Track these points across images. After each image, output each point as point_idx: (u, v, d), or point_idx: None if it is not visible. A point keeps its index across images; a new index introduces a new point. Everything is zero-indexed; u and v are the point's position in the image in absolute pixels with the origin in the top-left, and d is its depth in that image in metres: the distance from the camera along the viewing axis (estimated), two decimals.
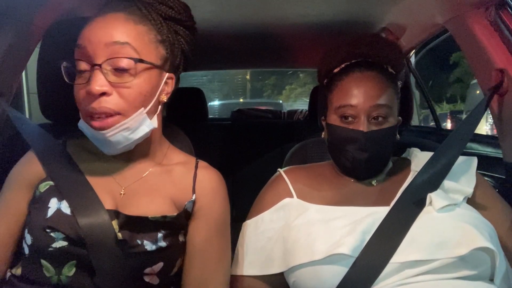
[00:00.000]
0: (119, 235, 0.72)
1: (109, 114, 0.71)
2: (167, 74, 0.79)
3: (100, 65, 0.70)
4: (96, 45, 0.71)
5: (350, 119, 0.86)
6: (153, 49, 0.76)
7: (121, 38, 0.71)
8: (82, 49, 0.72)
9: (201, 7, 0.80)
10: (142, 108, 0.74)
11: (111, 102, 0.71)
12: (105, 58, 0.71)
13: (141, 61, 0.73)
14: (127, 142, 0.75)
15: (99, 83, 0.70)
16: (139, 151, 0.81)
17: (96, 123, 0.71)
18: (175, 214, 0.78)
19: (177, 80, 0.84)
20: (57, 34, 0.94)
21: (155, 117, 0.79)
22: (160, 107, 0.80)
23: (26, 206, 0.78)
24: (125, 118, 0.72)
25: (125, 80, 0.72)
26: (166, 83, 0.79)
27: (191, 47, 0.84)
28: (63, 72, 0.74)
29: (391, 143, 0.89)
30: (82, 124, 0.76)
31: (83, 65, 0.72)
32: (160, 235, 0.75)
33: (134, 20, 0.74)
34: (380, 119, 0.85)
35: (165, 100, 0.80)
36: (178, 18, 0.80)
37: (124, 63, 0.71)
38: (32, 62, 1.02)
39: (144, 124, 0.75)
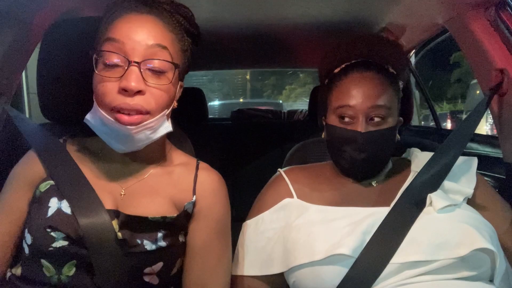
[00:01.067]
0: (119, 234, 0.72)
1: (139, 112, 0.72)
2: (180, 82, 0.83)
3: (139, 63, 0.71)
4: (137, 43, 0.72)
5: (348, 119, 0.86)
6: (180, 57, 0.79)
7: (162, 41, 0.74)
8: (119, 43, 0.72)
9: (201, 7, 0.80)
10: (166, 110, 0.77)
11: (144, 100, 0.72)
12: (144, 58, 0.72)
13: (177, 66, 0.76)
14: (147, 141, 0.76)
15: (137, 81, 0.70)
16: (141, 152, 0.81)
17: (125, 118, 0.71)
18: (175, 215, 0.78)
19: None
20: (57, 34, 0.94)
21: (169, 121, 0.81)
22: (169, 110, 0.81)
23: (27, 205, 0.78)
24: (152, 117, 0.74)
25: (162, 83, 0.74)
26: (178, 90, 0.82)
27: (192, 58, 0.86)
28: (93, 62, 0.74)
29: (390, 144, 0.89)
30: (95, 119, 0.75)
31: (117, 59, 0.72)
32: (160, 235, 0.75)
33: (167, 27, 0.76)
34: (378, 120, 0.85)
35: (176, 107, 0.82)
36: (191, 31, 0.82)
37: (164, 66, 0.74)
38: (32, 62, 1.02)
39: (164, 125, 0.78)
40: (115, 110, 0.71)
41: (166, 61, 0.74)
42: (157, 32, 0.74)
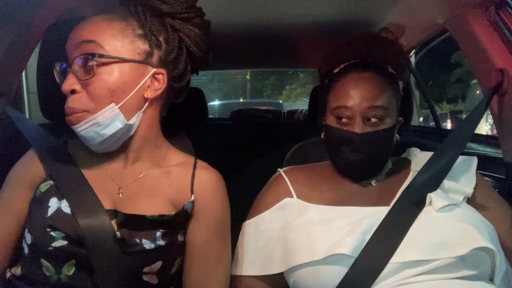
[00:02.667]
0: (118, 234, 0.72)
1: (75, 110, 0.73)
2: (154, 70, 0.77)
3: (70, 65, 0.74)
4: (69, 46, 0.75)
5: (345, 120, 0.86)
6: (127, 44, 0.75)
7: (88, 36, 0.73)
8: (65, 51, 0.75)
9: (202, 7, 0.80)
10: (113, 104, 0.73)
11: (79, 101, 0.73)
12: (73, 56, 0.73)
13: (101, 56, 0.72)
14: (100, 138, 0.74)
15: (69, 82, 0.73)
16: (135, 151, 0.81)
17: (67, 118, 0.74)
18: (173, 213, 0.78)
19: (179, 77, 0.82)
20: (57, 34, 0.94)
21: (138, 114, 0.77)
22: (146, 103, 0.78)
23: (26, 205, 0.78)
24: (92, 114, 0.73)
25: (89, 76, 0.72)
26: (155, 78, 0.78)
27: (200, 42, 0.82)
28: (55, 74, 0.77)
29: (388, 145, 0.89)
30: None
31: (64, 67, 0.76)
32: (158, 233, 0.75)
33: (110, 18, 0.75)
34: (376, 120, 0.85)
35: (151, 97, 0.77)
36: (172, 12, 0.77)
37: (85, 58, 0.73)
38: (32, 62, 1.02)
39: (117, 120, 0.74)
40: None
41: (84, 53, 0.72)
42: (86, 28, 0.74)
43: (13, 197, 0.79)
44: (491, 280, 0.76)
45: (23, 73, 1.11)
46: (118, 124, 0.74)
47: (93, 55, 0.72)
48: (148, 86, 0.77)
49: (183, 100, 0.86)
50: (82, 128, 0.73)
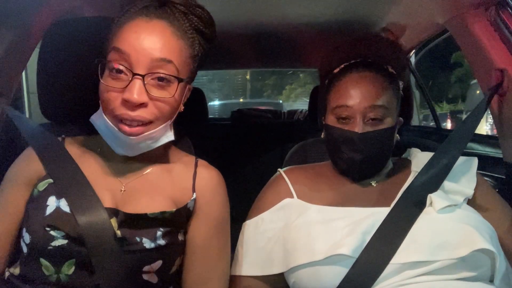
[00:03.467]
0: (118, 232, 0.72)
1: (141, 123, 0.73)
2: (188, 86, 0.81)
3: (143, 76, 0.71)
4: (142, 56, 0.71)
5: (346, 119, 0.86)
6: (187, 65, 0.78)
7: (168, 55, 0.73)
8: (124, 54, 0.71)
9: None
10: (169, 121, 0.78)
11: (147, 112, 0.73)
12: (148, 71, 0.72)
13: (181, 80, 0.76)
14: (147, 149, 0.78)
15: (140, 93, 0.71)
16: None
17: (126, 128, 0.72)
18: (174, 209, 0.78)
19: None
20: (57, 34, 0.94)
21: (172, 129, 0.81)
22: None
23: (24, 204, 0.78)
24: (154, 127, 0.75)
25: (165, 95, 0.74)
26: (186, 94, 0.82)
27: (206, 58, 0.85)
28: (99, 69, 0.74)
29: (389, 145, 0.88)
30: (100, 121, 0.76)
31: (122, 70, 0.72)
32: (159, 233, 0.75)
33: (176, 34, 0.75)
34: (376, 120, 0.85)
35: (182, 110, 0.81)
36: (206, 32, 0.81)
37: (167, 80, 0.74)
38: (32, 62, 1.01)
39: (166, 135, 0.79)
40: (117, 119, 0.73)
41: (170, 75, 0.74)
42: (164, 43, 0.73)
43: (11, 195, 0.78)
44: (491, 281, 0.75)
45: (23, 73, 1.11)
46: (165, 139, 0.79)
47: (178, 79, 0.75)
48: (183, 101, 0.81)
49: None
50: (139, 140, 0.74)
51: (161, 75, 0.73)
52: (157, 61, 0.72)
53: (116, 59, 0.72)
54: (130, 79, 0.71)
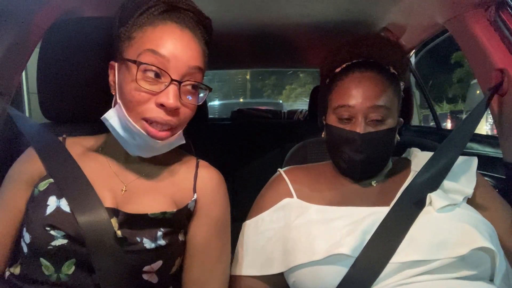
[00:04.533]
0: (119, 232, 0.72)
1: (170, 127, 0.75)
2: None
3: (180, 83, 0.73)
4: (180, 63, 0.73)
5: (347, 119, 0.86)
6: (204, 71, 0.80)
7: (200, 64, 0.77)
8: (163, 59, 0.72)
9: (201, 7, 0.80)
10: (185, 125, 0.80)
11: (177, 117, 0.75)
12: (184, 78, 0.74)
13: (209, 89, 0.81)
14: (161, 151, 0.80)
15: (175, 99, 0.73)
16: None
17: (154, 132, 0.74)
18: (175, 210, 0.78)
19: None
20: (57, 34, 0.94)
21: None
22: None
23: (25, 204, 0.78)
24: (177, 132, 0.77)
25: (193, 102, 0.77)
26: None
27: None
28: (136, 72, 0.72)
29: (389, 145, 0.89)
30: (116, 121, 0.76)
31: (159, 74, 0.73)
32: (159, 233, 0.75)
33: (201, 45, 0.78)
34: (377, 120, 0.85)
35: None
36: (209, 41, 0.82)
37: (199, 88, 0.78)
38: (32, 62, 1.01)
39: (179, 138, 0.80)
40: (147, 121, 0.73)
41: (202, 83, 0.77)
42: (197, 53, 0.76)
43: (12, 195, 0.79)
44: (491, 280, 0.75)
45: (23, 73, 1.11)
46: (178, 142, 0.80)
47: (210, 89, 0.80)
48: None
49: None
50: (164, 144, 0.76)
51: (195, 83, 0.76)
52: (192, 69, 0.75)
53: (154, 62, 0.72)
54: (168, 84, 0.72)
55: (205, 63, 0.79)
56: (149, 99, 0.73)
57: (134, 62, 0.72)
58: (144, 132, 0.73)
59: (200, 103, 0.79)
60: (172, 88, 0.72)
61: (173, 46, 0.73)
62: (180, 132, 0.78)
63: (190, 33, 0.76)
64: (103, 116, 0.77)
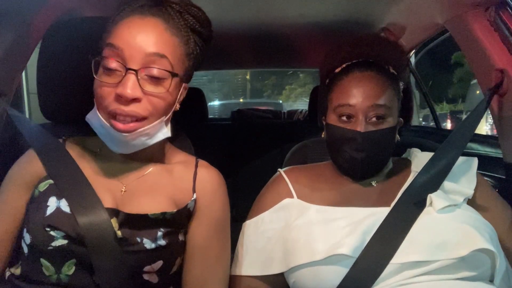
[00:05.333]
0: (119, 233, 0.72)
1: (135, 119, 0.73)
2: (183, 84, 0.81)
3: (136, 71, 0.71)
4: (136, 51, 0.71)
5: (348, 118, 0.86)
6: (182, 62, 0.78)
7: (160, 50, 0.73)
8: (118, 50, 0.72)
9: (201, 7, 0.80)
10: (164, 116, 0.77)
11: (140, 107, 0.72)
12: (142, 66, 0.72)
13: (175, 75, 0.75)
14: (142, 146, 0.77)
15: (133, 88, 0.71)
16: (140, 151, 0.81)
17: (120, 125, 0.72)
18: (175, 210, 0.78)
19: None
20: (57, 34, 0.94)
21: (169, 125, 0.81)
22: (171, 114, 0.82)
23: (25, 205, 0.78)
24: (149, 123, 0.74)
25: (159, 91, 0.74)
26: (181, 92, 0.81)
27: (203, 58, 0.85)
28: (93, 66, 0.74)
29: (390, 144, 0.89)
30: (94, 120, 0.76)
31: (116, 65, 0.72)
32: (159, 233, 0.75)
33: (171, 31, 0.75)
34: (378, 119, 0.85)
35: (178, 109, 0.82)
36: (202, 31, 0.81)
37: (161, 74, 0.73)
38: (32, 62, 1.01)
39: (161, 131, 0.78)
40: (111, 115, 0.73)
41: (164, 70, 0.73)
42: (157, 39, 0.73)
43: (12, 196, 0.79)
44: (491, 281, 0.75)
45: (23, 73, 1.11)
46: (161, 136, 0.78)
47: (172, 74, 0.74)
48: (179, 100, 0.81)
49: (183, 100, 0.87)
50: (134, 137, 0.74)
51: (155, 70, 0.73)
52: (150, 56, 0.72)
53: (110, 55, 0.72)
54: (124, 74, 0.71)
55: (176, 48, 0.76)
56: (110, 93, 0.72)
57: (91, 57, 0.73)
58: (110, 126, 0.73)
59: (171, 92, 0.76)
60: (129, 78, 0.70)
61: (128, 35, 0.72)
62: (156, 123, 0.75)
63: (153, 21, 0.74)
64: (86, 117, 0.77)
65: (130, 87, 0.70)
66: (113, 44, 0.72)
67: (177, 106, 0.81)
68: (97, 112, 0.74)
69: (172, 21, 0.76)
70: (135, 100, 0.71)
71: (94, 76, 0.74)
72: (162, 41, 0.74)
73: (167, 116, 0.78)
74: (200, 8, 0.81)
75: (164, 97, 0.75)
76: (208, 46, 0.85)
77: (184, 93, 0.83)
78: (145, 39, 0.72)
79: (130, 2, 0.76)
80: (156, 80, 0.73)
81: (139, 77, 0.71)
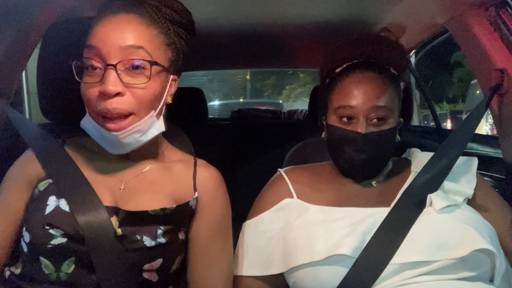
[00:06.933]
0: (119, 231, 0.72)
1: (123, 115, 0.73)
2: (171, 76, 0.81)
3: (114, 66, 0.71)
4: (110, 46, 0.72)
5: (349, 120, 0.86)
6: (162, 52, 0.77)
7: (136, 42, 0.73)
8: (94, 49, 0.72)
9: (201, 7, 0.80)
10: (153, 111, 0.77)
11: (124, 102, 0.72)
12: (119, 60, 0.72)
13: (155, 63, 0.75)
14: (137, 144, 0.77)
15: (114, 83, 0.71)
16: (137, 150, 0.82)
17: (111, 125, 0.72)
18: (174, 206, 0.78)
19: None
20: (57, 34, 0.94)
21: (161, 120, 0.80)
22: (164, 108, 0.81)
23: (24, 205, 0.78)
24: (139, 119, 0.74)
25: (140, 81, 0.73)
26: (170, 85, 0.81)
27: (190, 49, 0.85)
28: (74, 69, 0.74)
29: (390, 145, 0.89)
30: (88, 124, 0.77)
31: (95, 64, 0.72)
32: (159, 231, 0.75)
33: (146, 23, 0.75)
34: (379, 120, 0.85)
35: (169, 102, 0.82)
36: (182, 22, 0.81)
37: (139, 64, 0.73)
38: (32, 62, 1.01)
39: (154, 126, 0.78)
40: (100, 116, 0.73)
41: (142, 59, 0.73)
42: (130, 32, 0.73)
43: (11, 196, 0.79)
44: (491, 281, 0.75)
45: (23, 73, 1.11)
46: (154, 131, 0.78)
47: (150, 62, 0.74)
48: (168, 92, 0.81)
49: (183, 100, 0.87)
50: (126, 135, 0.74)
51: (133, 61, 0.72)
52: (126, 49, 0.72)
53: (89, 55, 0.73)
54: (104, 71, 0.72)
55: (153, 39, 0.75)
56: (95, 93, 0.72)
57: (70, 61, 0.74)
58: (101, 127, 0.74)
59: (155, 82, 0.75)
60: (110, 74, 0.71)
61: (102, 34, 0.73)
62: (146, 119, 0.75)
63: (126, 16, 0.74)
64: (80, 123, 0.78)
65: (111, 82, 0.71)
66: (91, 44, 0.73)
67: (168, 99, 0.81)
68: (88, 115, 0.75)
69: (148, 15, 0.76)
70: (118, 94, 0.72)
71: (78, 79, 0.74)
72: (136, 33, 0.74)
73: (157, 110, 0.78)
74: (177, 0, 0.81)
75: (147, 87, 0.74)
76: (193, 37, 0.85)
77: (175, 86, 0.83)
78: (119, 34, 0.73)
79: (106, 3, 0.77)
80: (135, 71, 0.73)
81: (118, 71, 0.72)
